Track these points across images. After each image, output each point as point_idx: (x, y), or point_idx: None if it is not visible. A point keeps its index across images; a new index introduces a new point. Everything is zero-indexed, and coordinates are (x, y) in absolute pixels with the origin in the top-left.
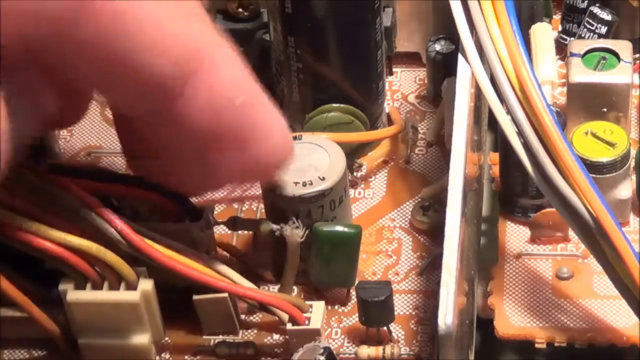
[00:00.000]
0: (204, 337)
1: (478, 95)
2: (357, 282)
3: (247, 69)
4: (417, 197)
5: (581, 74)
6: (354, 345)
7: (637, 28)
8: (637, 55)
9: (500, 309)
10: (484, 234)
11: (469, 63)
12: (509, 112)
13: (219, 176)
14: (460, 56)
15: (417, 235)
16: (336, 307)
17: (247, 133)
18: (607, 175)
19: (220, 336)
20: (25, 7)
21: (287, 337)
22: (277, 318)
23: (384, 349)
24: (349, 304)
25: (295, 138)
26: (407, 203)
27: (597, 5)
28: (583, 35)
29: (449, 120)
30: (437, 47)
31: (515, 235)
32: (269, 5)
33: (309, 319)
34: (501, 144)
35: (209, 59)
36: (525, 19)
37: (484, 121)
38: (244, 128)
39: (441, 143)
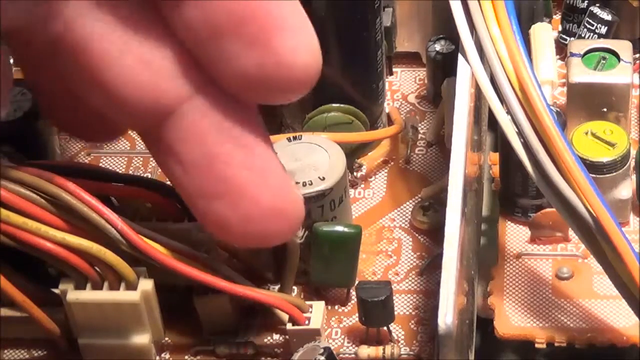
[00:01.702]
0: (204, 337)
1: (478, 95)
2: (357, 282)
3: None
4: (417, 197)
5: (581, 74)
6: (354, 345)
7: (637, 28)
8: (637, 55)
9: (500, 309)
10: (484, 234)
11: (469, 63)
12: (509, 112)
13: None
14: (460, 56)
15: (417, 235)
16: (336, 307)
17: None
18: (607, 175)
19: (220, 336)
20: None
21: (287, 337)
22: (277, 318)
23: (384, 349)
24: (349, 304)
25: (295, 138)
26: (407, 203)
27: (597, 5)
28: (583, 35)
29: (449, 120)
30: (437, 47)
31: (515, 235)
32: None
33: (309, 319)
34: (501, 144)
35: None
36: (525, 19)
37: (484, 121)
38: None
39: (441, 143)
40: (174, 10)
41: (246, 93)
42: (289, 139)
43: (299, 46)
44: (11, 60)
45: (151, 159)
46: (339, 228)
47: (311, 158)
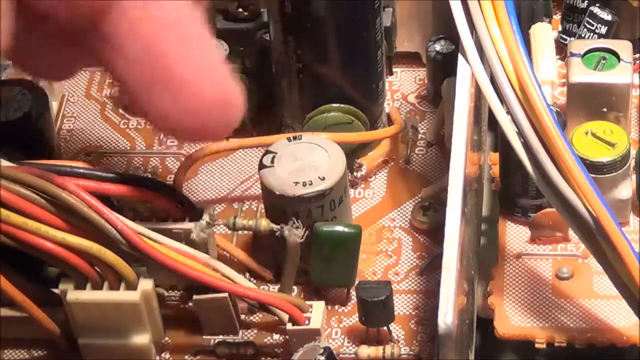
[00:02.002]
0: (204, 337)
1: (478, 95)
2: (357, 282)
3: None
4: (417, 197)
5: (581, 74)
6: (354, 345)
7: (637, 28)
8: (637, 55)
9: (500, 309)
10: (484, 234)
11: (469, 63)
12: (509, 112)
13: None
14: (460, 56)
15: (417, 235)
16: (336, 307)
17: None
18: (607, 175)
19: (220, 336)
20: None
21: (287, 337)
22: (277, 318)
23: (384, 349)
24: (349, 304)
25: (295, 138)
26: (407, 203)
27: (597, 5)
28: (583, 35)
29: (449, 120)
30: (437, 47)
31: (515, 235)
32: (269, 5)
33: (309, 319)
34: (501, 144)
35: None
36: (525, 19)
37: (484, 121)
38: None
39: (441, 143)
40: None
41: None
42: (289, 139)
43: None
44: None
45: (151, 158)
46: (339, 228)
47: (311, 158)
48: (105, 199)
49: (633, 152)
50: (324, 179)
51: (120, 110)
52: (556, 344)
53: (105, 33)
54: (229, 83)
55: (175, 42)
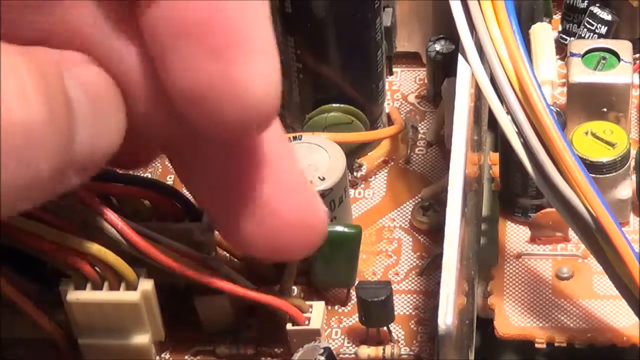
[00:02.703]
0: (204, 337)
1: (478, 95)
2: (357, 282)
3: None
4: (417, 197)
5: (581, 74)
6: (354, 345)
7: (637, 28)
8: (637, 55)
9: (500, 309)
10: (484, 234)
11: (469, 63)
12: (509, 112)
13: None
14: (460, 56)
15: (417, 235)
16: (336, 307)
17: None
18: (607, 175)
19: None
20: None
21: (287, 337)
22: (277, 318)
23: (384, 349)
24: (349, 304)
25: (295, 138)
26: (407, 203)
27: (597, 5)
28: (583, 35)
29: (449, 120)
30: (437, 47)
31: (515, 235)
32: (269, 6)
33: (309, 319)
34: (501, 144)
35: None
36: (525, 19)
37: (484, 121)
38: None
39: (441, 143)
40: (146, 8)
41: (194, 110)
42: (289, 139)
43: (259, 73)
44: None
45: None
46: (339, 228)
47: (311, 158)
48: (105, 199)
49: (633, 152)
50: (324, 179)
51: None
52: (556, 344)
53: (189, 156)
54: (313, 204)
55: (259, 164)
